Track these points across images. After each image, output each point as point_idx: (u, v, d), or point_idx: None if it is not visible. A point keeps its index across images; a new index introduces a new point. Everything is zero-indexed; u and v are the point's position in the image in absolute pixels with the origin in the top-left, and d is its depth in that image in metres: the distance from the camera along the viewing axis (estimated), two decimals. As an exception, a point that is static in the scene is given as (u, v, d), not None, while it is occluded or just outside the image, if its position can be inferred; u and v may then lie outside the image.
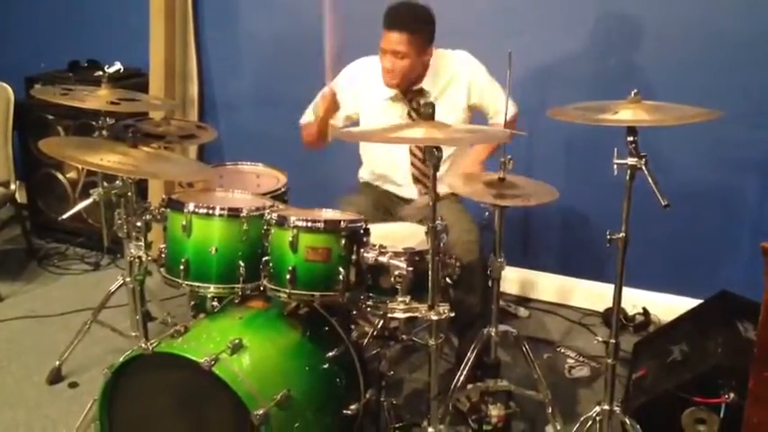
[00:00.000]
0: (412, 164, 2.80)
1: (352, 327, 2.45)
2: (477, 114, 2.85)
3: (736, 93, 2.98)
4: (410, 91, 2.73)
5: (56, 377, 2.82)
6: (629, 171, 2.02)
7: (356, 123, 2.85)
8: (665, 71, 3.08)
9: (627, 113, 2.05)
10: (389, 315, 2.14)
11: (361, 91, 2.79)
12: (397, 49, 2.58)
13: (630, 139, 2.01)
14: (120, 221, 2.44)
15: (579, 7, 3.18)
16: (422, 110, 1.97)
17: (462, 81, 2.75)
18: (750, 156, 3.04)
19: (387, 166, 2.86)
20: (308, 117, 2.85)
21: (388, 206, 2.85)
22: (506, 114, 2.39)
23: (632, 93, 2.09)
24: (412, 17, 2.61)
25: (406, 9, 2.62)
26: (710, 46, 3.00)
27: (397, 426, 2.34)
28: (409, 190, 2.85)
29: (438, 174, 1.90)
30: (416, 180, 2.82)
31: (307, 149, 2.90)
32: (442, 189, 2.15)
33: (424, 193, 2.74)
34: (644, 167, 1.99)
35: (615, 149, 2.01)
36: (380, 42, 2.62)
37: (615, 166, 2.02)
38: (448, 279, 2.26)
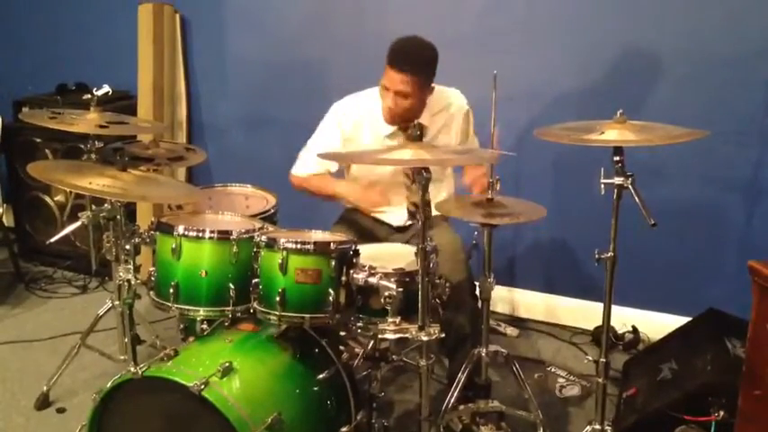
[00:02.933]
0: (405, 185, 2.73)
1: (343, 348, 2.44)
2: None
3: (723, 112, 3.01)
4: (409, 127, 2.68)
5: (43, 402, 2.79)
6: (615, 190, 2.04)
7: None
8: (653, 91, 3.10)
9: (613, 133, 2.07)
10: (380, 336, 2.14)
11: (359, 130, 2.68)
12: (402, 90, 2.47)
13: (617, 158, 2.02)
14: (108, 244, 2.43)
15: (566, 27, 3.22)
16: (410, 131, 1.98)
17: (457, 116, 2.74)
18: (736, 174, 3.07)
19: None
20: (309, 168, 2.73)
21: (375, 233, 2.78)
22: (493, 143, 2.35)
23: (618, 113, 2.12)
24: (420, 59, 2.47)
25: (414, 48, 2.49)
26: (697, 66, 3.03)
27: (388, 448, 2.32)
28: (393, 216, 2.76)
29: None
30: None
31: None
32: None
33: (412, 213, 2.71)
34: (631, 187, 2.01)
35: (602, 169, 2.02)
36: (383, 80, 2.50)
37: (602, 186, 2.04)
38: (438, 299, 2.26)
